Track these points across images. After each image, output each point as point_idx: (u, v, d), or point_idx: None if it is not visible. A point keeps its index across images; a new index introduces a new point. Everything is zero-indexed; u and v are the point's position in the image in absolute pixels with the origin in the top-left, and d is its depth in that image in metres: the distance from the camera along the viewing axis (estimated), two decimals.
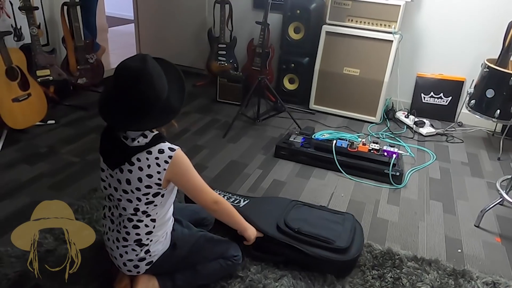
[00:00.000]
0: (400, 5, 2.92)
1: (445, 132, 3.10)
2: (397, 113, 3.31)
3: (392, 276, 1.66)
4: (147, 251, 1.37)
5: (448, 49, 3.21)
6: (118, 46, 4.94)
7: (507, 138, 2.95)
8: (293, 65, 3.37)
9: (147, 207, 1.31)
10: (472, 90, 2.86)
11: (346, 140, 2.52)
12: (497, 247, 1.90)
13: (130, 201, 1.30)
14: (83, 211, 1.90)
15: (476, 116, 2.86)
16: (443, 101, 3.32)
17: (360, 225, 1.81)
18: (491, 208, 2.00)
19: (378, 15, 3.00)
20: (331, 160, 2.44)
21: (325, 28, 3.16)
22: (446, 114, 3.33)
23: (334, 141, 2.49)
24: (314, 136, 2.64)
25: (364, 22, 3.05)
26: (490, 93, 2.72)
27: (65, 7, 2.99)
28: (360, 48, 3.10)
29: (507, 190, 1.92)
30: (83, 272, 1.50)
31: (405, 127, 3.18)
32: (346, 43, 3.13)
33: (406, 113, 3.27)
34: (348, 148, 2.46)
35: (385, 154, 2.42)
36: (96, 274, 1.54)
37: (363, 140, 2.56)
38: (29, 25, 2.68)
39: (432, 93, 3.32)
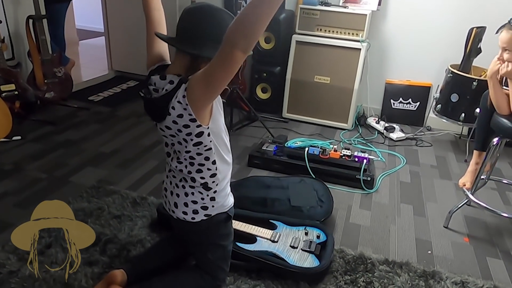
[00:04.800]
0: (366, 14, 3.00)
1: (415, 136, 3.17)
2: (368, 119, 3.38)
3: (365, 280, 1.67)
4: (213, 199, 1.38)
5: (414, 56, 3.31)
6: (89, 60, 4.86)
7: (473, 140, 3.04)
8: (265, 74, 3.40)
9: (198, 148, 1.30)
10: (438, 95, 2.95)
11: (318, 147, 2.54)
12: (465, 247, 1.95)
13: (180, 143, 1.31)
14: (49, 229, 1.84)
15: (443, 120, 2.95)
16: (412, 106, 3.41)
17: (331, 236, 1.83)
18: (458, 209, 2.05)
19: (345, 24, 3.07)
20: (304, 167, 2.45)
21: (295, 37, 3.20)
22: (415, 119, 3.42)
23: (307, 149, 2.52)
24: (287, 144, 2.66)
25: (333, 31, 3.11)
26: (454, 98, 2.82)
27: (31, 20, 2.93)
28: (329, 57, 3.16)
29: (472, 191, 1.98)
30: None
31: (376, 132, 3.25)
32: (316, 52, 3.18)
33: (376, 119, 3.34)
34: (320, 155, 2.49)
35: (356, 160, 2.46)
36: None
37: (335, 146, 2.59)
38: None
39: (401, 99, 3.41)
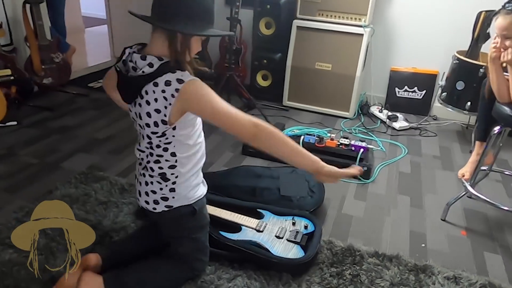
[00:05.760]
0: None
1: (419, 126, 3.06)
2: (371, 108, 3.27)
3: (351, 273, 1.60)
4: (172, 190, 1.34)
5: (421, 42, 3.18)
6: (93, 47, 4.85)
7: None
8: (265, 61, 3.32)
9: (159, 140, 1.28)
10: (443, 82, 2.83)
11: (314, 136, 2.47)
12: (462, 241, 1.86)
13: (142, 127, 1.29)
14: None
15: (448, 109, 2.83)
16: (417, 95, 3.28)
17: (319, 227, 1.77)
18: (456, 200, 1.96)
19: (348, 8, 2.95)
20: None
21: (296, 23, 3.10)
22: (420, 108, 3.29)
23: (302, 137, 2.44)
24: (283, 133, 2.59)
25: (335, 16, 3.00)
26: (460, 85, 2.69)
27: (28, 5, 2.90)
28: (331, 43, 3.06)
29: (472, 182, 1.88)
30: None
31: (379, 121, 3.15)
32: (317, 37, 3.08)
33: (380, 107, 3.23)
34: (316, 144, 2.41)
35: (353, 149, 2.37)
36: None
37: (333, 135, 2.51)
38: None
39: (406, 87, 3.29)
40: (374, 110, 3.23)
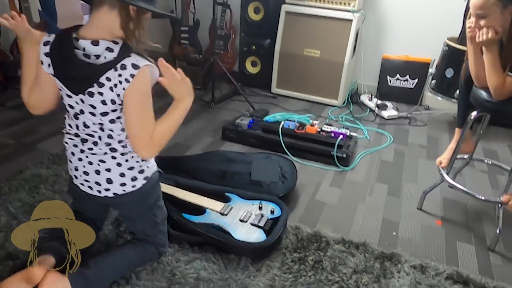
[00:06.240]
0: None
1: (408, 115, 2.98)
2: (361, 97, 3.20)
3: (314, 259, 1.56)
4: (131, 168, 1.31)
5: (413, 29, 3.08)
6: None
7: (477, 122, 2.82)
8: (254, 47, 3.26)
9: (121, 123, 1.24)
10: (433, 70, 2.74)
11: (295, 122, 2.41)
12: (436, 230, 1.80)
13: (93, 114, 1.22)
14: (0, 192, 1.82)
15: (438, 97, 2.75)
16: (410, 83, 3.20)
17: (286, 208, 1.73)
18: (432, 189, 1.90)
19: None
20: (278, 142, 2.33)
21: (285, 7, 3.04)
22: (413, 97, 3.20)
23: (282, 123, 2.39)
24: (265, 119, 2.54)
25: (323, 1, 2.93)
26: (449, 73, 2.61)
27: None
28: (320, 28, 2.98)
29: (448, 170, 1.81)
30: None
31: (368, 110, 3.07)
32: (306, 23, 3.01)
33: (370, 96, 3.15)
34: (295, 130, 2.36)
35: (333, 135, 2.32)
36: None
37: (315, 121, 2.46)
38: None
39: (398, 76, 3.20)
40: (364, 98, 3.16)
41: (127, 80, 1.12)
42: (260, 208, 1.72)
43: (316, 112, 3.00)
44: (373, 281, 1.48)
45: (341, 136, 2.27)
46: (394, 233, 1.76)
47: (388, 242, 1.70)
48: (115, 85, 1.14)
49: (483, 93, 1.62)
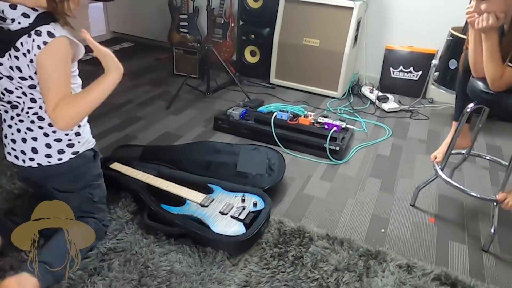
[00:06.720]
0: None
1: (410, 108, 2.87)
2: (362, 89, 3.09)
3: (294, 255, 1.49)
4: (78, 134, 1.32)
5: (418, 19, 2.95)
6: (90, 20, 4.81)
7: (476, 115, 2.70)
8: (253, 36, 3.17)
9: (34, 91, 1.23)
10: (436, 61, 2.62)
11: (288, 112, 2.33)
12: (427, 228, 1.71)
13: (19, 88, 1.23)
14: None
15: (441, 90, 2.63)
16: (414, 75, 3.08)
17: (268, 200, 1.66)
18: (426, 185, 1.80)
19: None
20: (270, 133, 2.26)
21: None
22: (416, 90, 3.07)
23: (275, 113, 2.32)
24: (259, 109, 2.47)
25: None
26: (453, 64, 2.49)
27: None
28: (320, 17, 2.88)
29: (442, 165, 1.72)
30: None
31: (369, 102, 2.97)
32: (305, 11, 2.91)
33: (371, 88, 3.05)
34: (288, 121, 2.28)
35: (326, 127, 2.23)
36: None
37: (310, 113, 2.37)
38: None
39: (401, 67, 3.08)
40: (365, 90, 3.05)
41: (39, 47, 1.12)
42: (243, 200, 1.66)
43: (314, 103, 2.91)
44: (354, 279, 1.41)
45: (334, 128, 2.19)
46: (383, 230, 1.68)
47: (376, 239, 1.62)
48: (28, 51, 1.13)
49: (480, 84, 1.51)
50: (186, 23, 3.46)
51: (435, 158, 1.84)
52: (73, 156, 1.33)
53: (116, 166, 1.81)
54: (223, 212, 1.59)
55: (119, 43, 4.05)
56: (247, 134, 2.35)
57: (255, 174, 1.84)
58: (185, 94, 2.88)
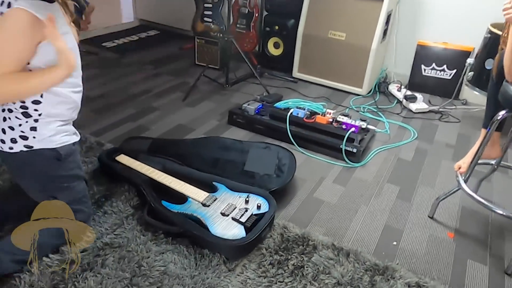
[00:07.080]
0: None
1: (440, 109, 2.68)
2: (389, 86, 2.92)
3: (295, 263, 1.41)
4: (33, 129, 1.26)
5: (455, 13, 2.73)
6: (121, 9, 4.84)
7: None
8: (277, 27, 3.06)
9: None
10: (472, 60, 2.42)
11: (305, 110, 2.23)
12: (445, 244, 1.57)
13: None
14: None
15: (475, 92, 2.43)
16: (447, 74, 2.87)
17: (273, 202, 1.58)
18: (447, 196, 1.66)
19: None
20: (285, 130, 2.17)
21: None
22: (449, 90, 2.87)
23: (291, 110, 2.22)
24: (276, 105, 2.38)
25: None
26: (490, 64, 2.28)
27: None
28: (347, 8, 2.73)
29: (466, 176, 1.57)
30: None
31: (396, 101, 2.80)
32: (332, 2, 2.76)
33: (399, 86, 2.87)
34: (305, 119, 2.18)
35: (344, 127, 2.11)
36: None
37: (330, 110, 2.25)
38: None
39: (434, 65, 2.88)
40: (393, 88, 2.88)
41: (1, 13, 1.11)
42: (247, 201, 1.59)
43: (337, 100, 2.78)
44: None
45: (352, 129, 2.06)
46: (395, 243, 1.56)
47: (386, 252, 1.51)
48: None
49: None
50: (210, 12, 3.38)
51: (459, 168, 1.68)
52: (25, 149, 1.27)
53: (122, 158, 1.79)
54: (224, 213, 1.52)
55: (145, 30, 4.05)
56: (261, 130, 2.26)
57: (262, 174, 1.76)
58: (204, 85, 2.83)
